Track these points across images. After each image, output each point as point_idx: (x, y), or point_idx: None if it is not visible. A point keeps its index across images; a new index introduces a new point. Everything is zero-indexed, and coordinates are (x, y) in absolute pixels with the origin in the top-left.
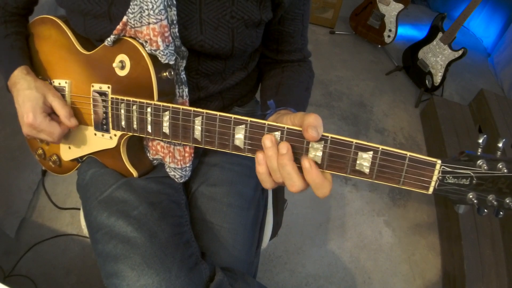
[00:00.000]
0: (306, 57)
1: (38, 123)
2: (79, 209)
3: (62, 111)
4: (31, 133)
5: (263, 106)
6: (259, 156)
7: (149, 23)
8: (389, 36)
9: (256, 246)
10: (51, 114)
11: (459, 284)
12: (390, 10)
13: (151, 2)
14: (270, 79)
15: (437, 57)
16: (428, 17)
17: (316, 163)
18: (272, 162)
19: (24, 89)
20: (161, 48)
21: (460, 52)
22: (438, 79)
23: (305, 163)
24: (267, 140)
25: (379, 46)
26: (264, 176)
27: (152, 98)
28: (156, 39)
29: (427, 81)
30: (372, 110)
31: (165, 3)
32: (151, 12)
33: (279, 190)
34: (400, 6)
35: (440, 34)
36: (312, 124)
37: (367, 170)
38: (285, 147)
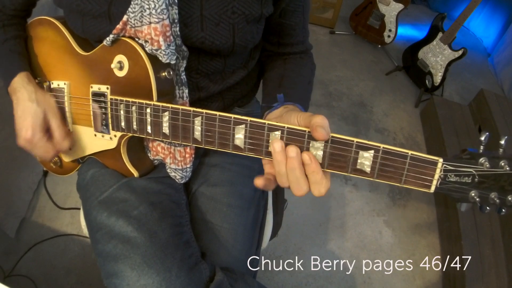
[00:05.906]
0: (308, 49)
1: (36, 141)
2: (79, 209)
3: (57, 131)
4: (26, 146)
5: (266, 97)
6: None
7: (150, 23)
8: (389, 36)
9: (256, 246)
10: (48, 131)
11: (459, 284)
12: (390, 10)
13: (153, 1)
14: (272, 71)
15: (437, 57)
16: (428, 17)
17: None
18: (280, 167)
19: (25, 99)
20: (163, 47)
21: (460, 52)
22: (438, 79)
23: (305, 157)
24: (277, 145)
25: (379, 46)
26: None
27: (151, 99)
28: (158, 39)
29: (427, 81)
30: (372, 110)
31: (167, 1)
32: (153, 12)
33: (279, 190)
34: (400, 6)
35: (440, 34)
36: (319, 124)
37: (368, 169)
38: (294, 151)
